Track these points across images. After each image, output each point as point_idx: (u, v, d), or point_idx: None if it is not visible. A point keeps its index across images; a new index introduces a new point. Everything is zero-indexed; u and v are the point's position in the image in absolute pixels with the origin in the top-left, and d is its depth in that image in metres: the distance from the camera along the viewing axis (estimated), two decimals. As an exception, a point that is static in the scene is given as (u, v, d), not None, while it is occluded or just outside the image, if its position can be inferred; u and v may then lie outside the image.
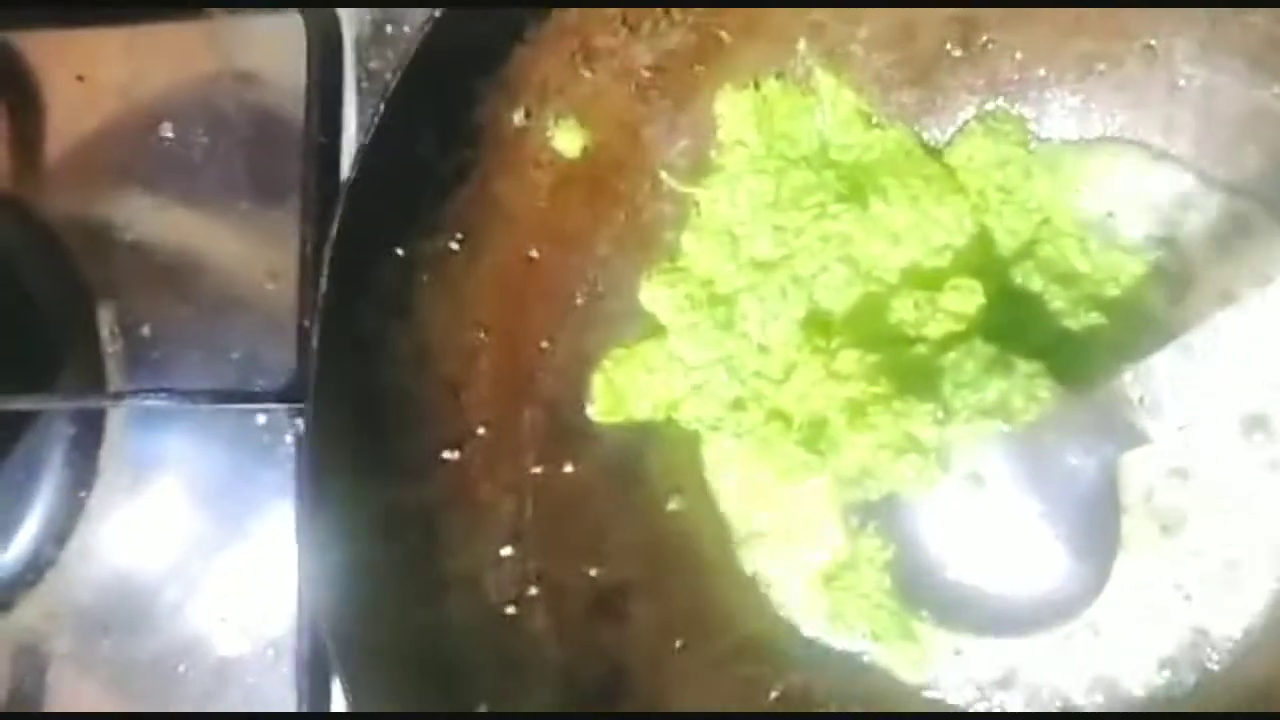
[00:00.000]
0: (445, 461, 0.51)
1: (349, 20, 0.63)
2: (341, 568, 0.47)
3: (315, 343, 0.46)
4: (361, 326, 0.48)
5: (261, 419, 0.62)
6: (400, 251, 0.49)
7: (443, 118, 0.49)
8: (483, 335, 0.51)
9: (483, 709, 0.48)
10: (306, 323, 0.58)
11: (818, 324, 0.53)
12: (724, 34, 0.52)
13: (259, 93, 0.65)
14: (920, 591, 0.50)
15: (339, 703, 0.58)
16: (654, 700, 0.52)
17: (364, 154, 0.47)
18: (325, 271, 0.46)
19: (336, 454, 0.47)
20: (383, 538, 0.48)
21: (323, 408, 0.47)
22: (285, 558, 0.60)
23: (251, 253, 0.65)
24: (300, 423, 0.57)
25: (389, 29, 0.63)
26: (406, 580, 0.49)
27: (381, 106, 0.47)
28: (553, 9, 0.49)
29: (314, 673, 0.59)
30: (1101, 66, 0.53)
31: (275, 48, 0.65)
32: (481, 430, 0.51)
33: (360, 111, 0.62)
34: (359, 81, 0.63)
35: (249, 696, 0.60)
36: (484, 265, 0.51)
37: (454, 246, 0.50)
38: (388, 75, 0.51)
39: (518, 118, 0.50)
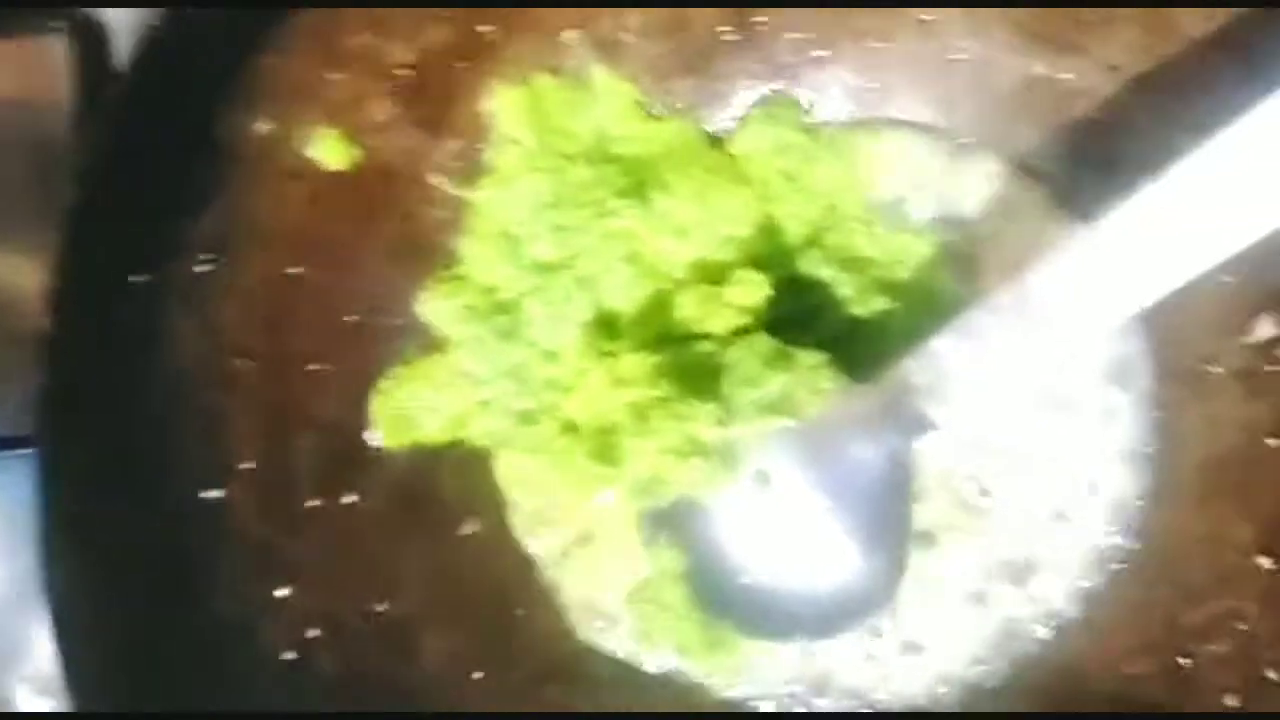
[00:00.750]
0: (207, 501, 0.47)
1: (120, 36, 0.59)
2: (91, 623, 0.43)
3: (41, 383, 0.42)
4: (100, 361, 0.44)
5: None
6: (142, 277, 0.45)
7: (180, 129, 0.45)
8: (243, 362, 0.48)
9: (261, 762, 0.45)
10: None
11: (605, 326, 0.50)
12: (486, 28, 0.50)
13: (32, 118, 0.61)
14: (718, 599, 0.48)
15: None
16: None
17: (89, 174, 0.44)
18: (48, 306, 0.42)
19: (78, 500, 0.43)
20: (139, 588, 0.44)
21: (58, 452, 0.43)
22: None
23: (36, 286, 0.60)
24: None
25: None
26: (170, 633, 0.45)
27: (104, 121, 0.43)
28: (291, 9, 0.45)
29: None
30: (877, 44, 0.52)
31: (44, 70, 0.61)
32: (248, 464, 0.48)
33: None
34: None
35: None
36: (241, 286, 0.47)
37: (204, 268, 0.46)
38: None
39: (265, 126, 0.47)
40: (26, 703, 0.58)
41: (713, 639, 0.50)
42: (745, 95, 0.53)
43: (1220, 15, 0.46)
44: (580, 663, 0.52)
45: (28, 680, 0.57)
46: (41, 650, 0.57)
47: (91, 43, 0.60)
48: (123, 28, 0.59)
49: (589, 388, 0.48)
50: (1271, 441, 0.48)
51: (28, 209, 0.60)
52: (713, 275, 0.50)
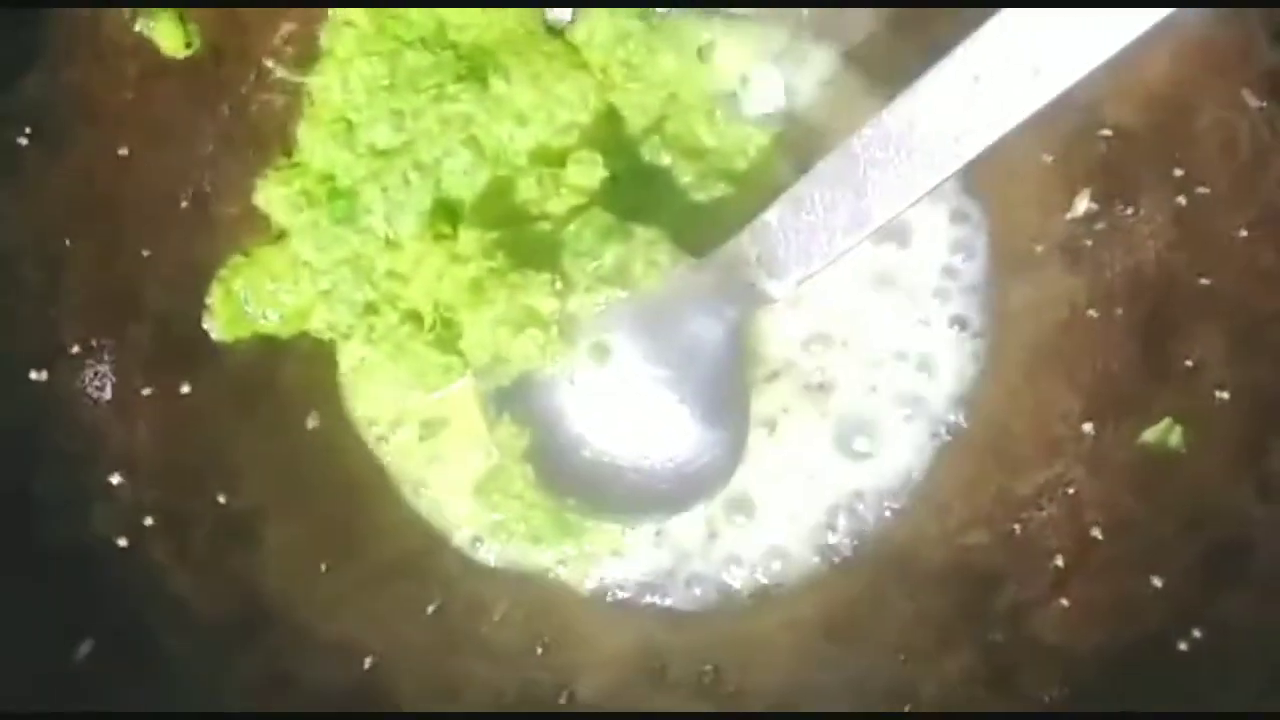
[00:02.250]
0: (33, 381, 0.45)
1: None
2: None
3: None
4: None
5: None
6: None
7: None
8: (69, 242, 0.47)
9: (88, 646, 0.43)
10: None
11: (445, 212, 0.50)
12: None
13: None
14: (562, 477, 0.48)
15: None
16: (298, 628, 0.48)
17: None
18: None
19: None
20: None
21: None
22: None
23: None
24: None
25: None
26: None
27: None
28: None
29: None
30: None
31: None
32: (76, 348, 0.47)
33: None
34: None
35: None
36: (64, 163, 0.46)
37: (23, 141, 0.45)
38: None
39: (89, -7, 0.46)
40: None
41: (564, 525, 0.50)
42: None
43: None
44: (427, 556, 0.52)
45: None
46: None
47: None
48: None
49: (429, 269, 0.48)
50: (1092, 313, 0.49)
51: None
52: (553, 160, 0.50)
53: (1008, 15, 0.39)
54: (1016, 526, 0.49)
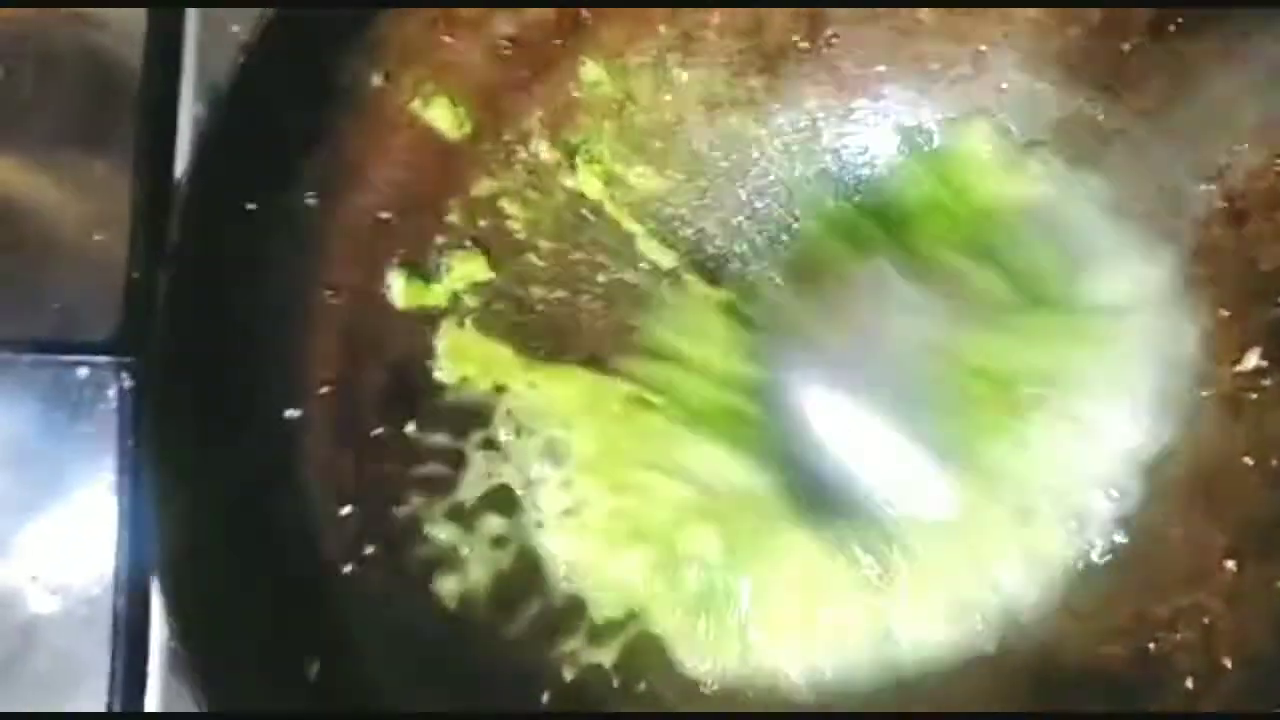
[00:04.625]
0: (286, 419, 0.50)
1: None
2: (176, 520, 0.46)
3: (161, 294, 0.45)
4: (208, 280, 0.47)
5: (83, 373, 0.60)
6: (252, 206, 0.48)
7: (302, 75, 0.48)
8: (330, 294, 0.51)
9: (315, 664, 0.48)
10: (136, 274, 0.57)
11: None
12: (585, 12, 0.54)
13: (97, 37, 0.63)
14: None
15: (156, 664, 0.56)
16: (486, 660, 0.53)
17: (221, 105, 0.47)
18: (175, 221, 0.45)
19: (173, 407, 0.47)
20: (220, 491, 0.48)
21: (162, 359, 0.46)
22: (102, 516, 0.58)
23: (79, 202, 0.63)
24: (125, 377, 0.55)
25: (235, -18, 0.61)
26: (242, 535, 0.48)
27: (241, 59, 0.46)
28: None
29: (129, 632, 0.57)
30: (936, 66, 0.56)
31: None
32: (324, 389, 0.51)
33: (200, 63, 0.61)
34: (200, 31, 0.61)
35: (58, 658, 0.58)
36: (336, 224, 0.51)
37: (308, 203, 0.50)
38: (233, 27, 0.50)
39: (377, 79, 0.50)
40: (32, 598, 0.59)
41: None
42: (810, 99, 0.58)
43: (1244, 70, 0.52)
44: (581, 610, 0.56)
45: (36, 571, 0.58)
46: (51, 543, 0.58)
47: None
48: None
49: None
50: (1248, 460, 0.53)
51: (78, 128, 0.62)
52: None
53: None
54: (1152, 645, 0.54)
